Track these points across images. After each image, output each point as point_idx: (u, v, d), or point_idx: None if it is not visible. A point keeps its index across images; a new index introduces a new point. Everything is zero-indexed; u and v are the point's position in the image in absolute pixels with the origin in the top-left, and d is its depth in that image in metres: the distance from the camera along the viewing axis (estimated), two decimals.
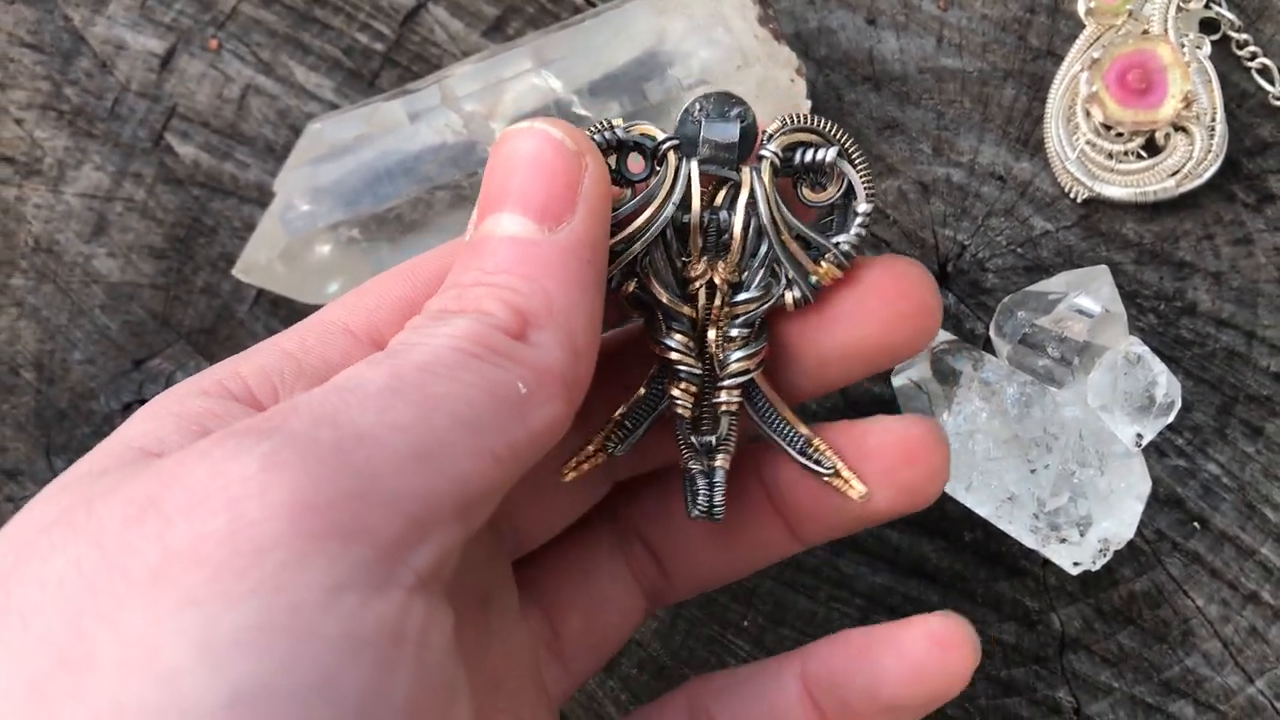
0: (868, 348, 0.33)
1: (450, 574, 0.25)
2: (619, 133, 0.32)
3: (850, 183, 0.33)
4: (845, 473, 0.33)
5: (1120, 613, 0.41)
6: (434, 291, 0.30)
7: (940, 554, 0.41)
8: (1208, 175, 0.41)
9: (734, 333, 0.33)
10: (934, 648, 0.32)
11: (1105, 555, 0.38)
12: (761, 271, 0.33)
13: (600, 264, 0.30)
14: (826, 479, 0.33)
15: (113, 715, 0.21)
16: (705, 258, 0.33)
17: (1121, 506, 0.38)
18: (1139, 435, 0.38)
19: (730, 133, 0.32)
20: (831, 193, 0.33)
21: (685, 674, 0.42)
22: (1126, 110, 0.41)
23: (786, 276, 0.33)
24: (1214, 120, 0.41)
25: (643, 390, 0.33)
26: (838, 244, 0.32)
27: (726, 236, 0.33)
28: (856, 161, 0.33)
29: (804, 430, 0.33)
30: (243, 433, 0.24)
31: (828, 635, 0.34)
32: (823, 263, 0.32)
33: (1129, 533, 0.38)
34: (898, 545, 0.42)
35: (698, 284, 0.33)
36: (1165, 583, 0.41)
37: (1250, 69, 0.42)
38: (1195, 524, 0.41)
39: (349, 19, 0.44)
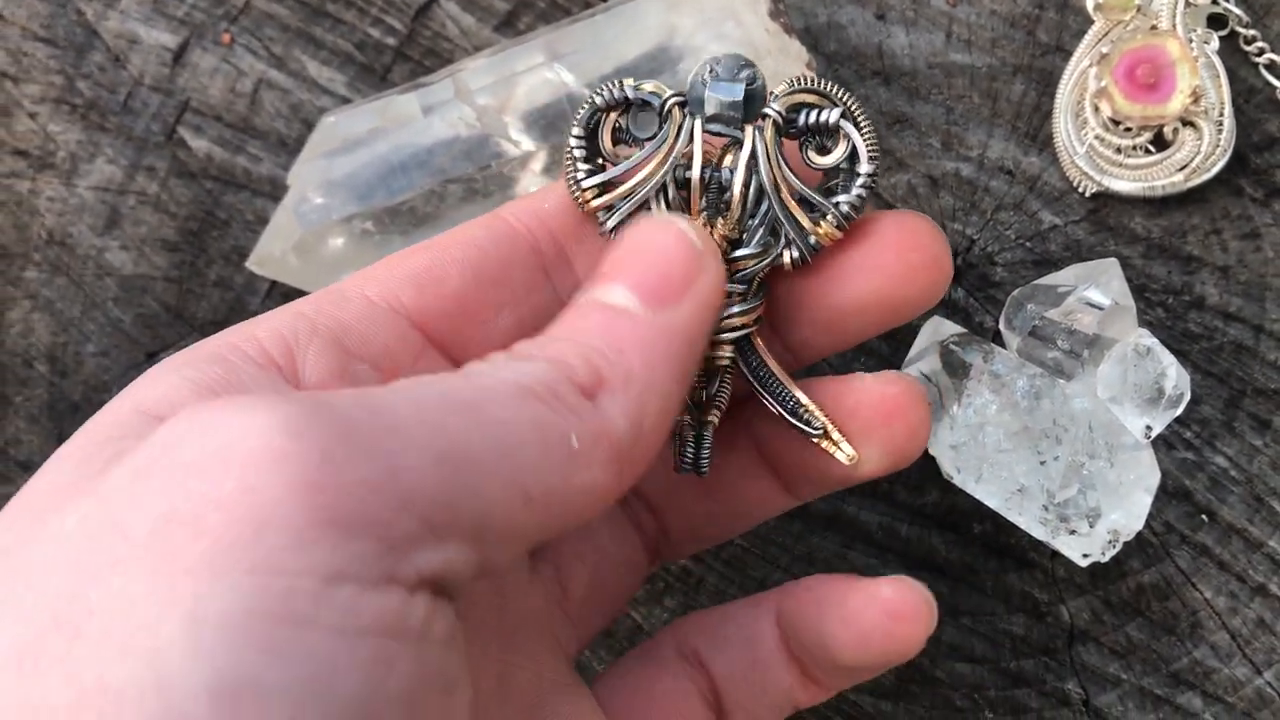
0: (881, 300, 0.33)
1: (462, 592, 0.25)
2: (628, 90, 0.33)
3: (855, 146, 0.33)
4: (835, 434, 0.33)
5: (1129, 605, 0.41)
6: (450, 256, 0.30)
7: (950, 546, 0.42)
8: (1216, 170, 0.41)
9: (731, 289, 0.33)
10: (882, 616, 0.32)
11: (1114, 547, 0.38)
12: (761, 230, 0.33)
13: (692, 359, 0.30)
14: (815, 440, 0.33)
15: (97, 693, 0.21)
16: (705, 214, 0.33)
17: (1131, 498, 0.38)
18: (1148, 427, 0.38)
19: (736, 92, 0.33)
20: (837, 156, 0.33)
21: None
22: (1135, 105, 0.41)
23: (786, 236, 0.33)
24: (1222, 115, 0.41)
25: None
26: (838, 204, 0.33)
27: (728, 195, 0.33)
28: (860, 123, 0.33)
29: (795, 391, 0.33)
30: (272, 391, 0.24)
31: (810, 576, 0.34)
32: (822, 223, 0.33)
33: (1138, 524, 0.38)
34: (907, 537, 0.42)
35: None
36: (1174, 575, 0.41)
37: (1258, 64, 0.42)
38: (1204, 516, 0.41)
39: (361, 13, 0.44)
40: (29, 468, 0.44)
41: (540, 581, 0.34)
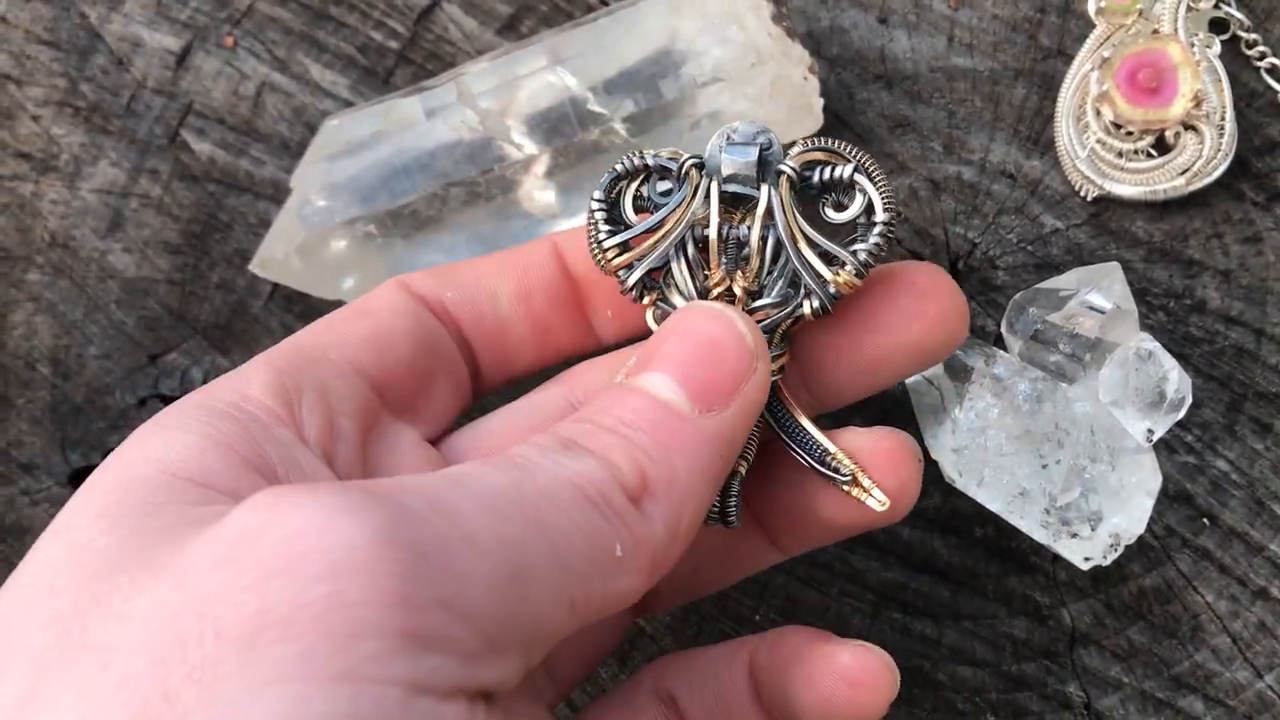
0: (915, 346, 0.34)
1: (504, 696, 0.26)
2: (647, 159, 0.34)
3: (870, 200, 0.33)
4: (865, 481, 0.33)
5: (1130, 608, 0.41)
6: (393, 324, 0.32)
7: (951, 550, 0.42)
8: (1217, 174, 0.41)
9: None
10: (842, 683, 0.32)
11: (1116, 550, 0.38)
12: (780, 282, 0.34)
13: (731, 460, 0.31)
14: (844, 487, 0.33)
15: None
16: (724, 269, 0.34)
17: (1132, 502, 0.38)
18: (1150, 431, 0.38)
19: (750, 154, 0.34)
20: (854, 211, 0.34)
21: None
22: (1137, 109, 0.41)
23: (805, 286, 0.33)
24: (1224, 119, 0.41)
25: None
26: (855, 253, 0.33)
27: (746, 250, 0.33)
28: (874, 176, 0.33)
29: (822, 439, 0.34)
30: (355, 491, 0.24)
31: (784, 627, 0.34)
32: (841, 273, 0.33)
33: (1140, 528, 0.38)
34: (909, 541, 0.42)
35: (717, 293, 0.34)
36: (1175, 578, 0.41)
37: (1259, 69, 0.42)
38: (1205, 520, 0.41)
39: (364, 17, 0.45)
40: (31, 470, 0.44)
41: None
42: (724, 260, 0.34)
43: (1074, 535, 0.38)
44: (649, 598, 0.37)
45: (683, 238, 0.34)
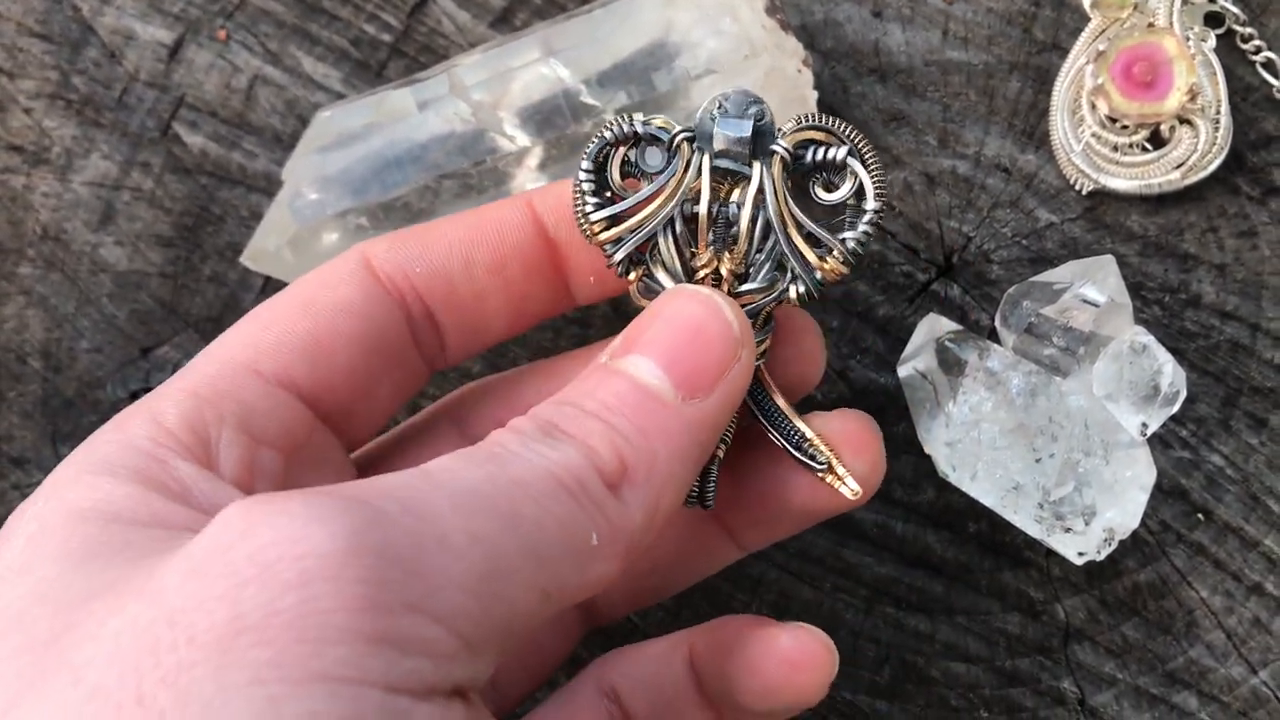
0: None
1: (479, 687, 0.26)
2: (637, 126, 0.33)
3: (861, 182, 0.33)
4: (839, 469, 0.33)
5: (1124, 604, 0.41)
6: (335, 326, 0.31)
7: (945, 544, 0.42)
8: (1212, 168, 0.41)
9: None
10: (782, 665, 0.32)
11: (1110, 545, 0.38)
12: (767, 265, 0.33)
13: (711, 446, 0.31)
14: (819, 474, 0.33)
15: None
16: (712, 248, 0.33)
17: (1126, 496, 0.38)
18: (1144, 425, 0.38)
19: (744, 128, 0.33)
20: (843, 193, 0.33)
21: None
22: (1132, 103, 0.41)
23: (792, 271, 0.33)
24: (1219, 113, 0.41)
25: None
26: (844, 240, 0.33)
27: (735, 229, 0.33)
28: (868, 160, 0.33)
29: (800, 425, 0.34)
30: (326, 498, 0.24)
31: (723, 616, 0.34)
32: (829, 259, 0.33)
33: (1134, 523, 0.38)
34: (903, 535, 0.42)
35: (703, 273, 0.33)
36: (1169, 574, 0.41)
37: (1255, 63, 0.42)
38: (1199, 515, 0.41)
39: (356, 10, 0.44)
40: (22, 464, 0.44)
41: None
42: (712, 238, 0.33)
43: (1068, 530, 0.38)
44: (601, 605, 0.37)
45: (671, 215, 0.33)
